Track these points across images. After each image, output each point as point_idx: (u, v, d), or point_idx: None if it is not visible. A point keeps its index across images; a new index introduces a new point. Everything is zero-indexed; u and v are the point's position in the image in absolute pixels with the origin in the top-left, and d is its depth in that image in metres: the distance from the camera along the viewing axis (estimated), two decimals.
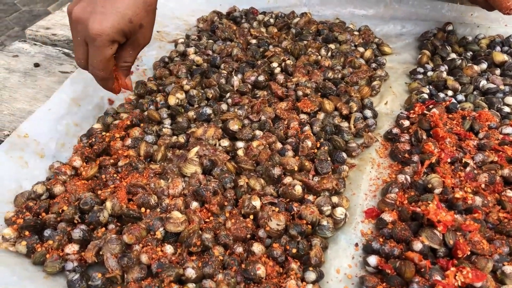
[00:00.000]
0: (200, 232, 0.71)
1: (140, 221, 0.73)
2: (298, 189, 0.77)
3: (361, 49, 1.13)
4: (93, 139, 0.89)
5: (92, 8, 0.76)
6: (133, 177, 0.80)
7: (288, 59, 1.09)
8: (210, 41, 1.17)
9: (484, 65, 1.05)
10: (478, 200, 0.75)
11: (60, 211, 0.76)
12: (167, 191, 0.78)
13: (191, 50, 1.13)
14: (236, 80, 1.02)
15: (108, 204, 0.74)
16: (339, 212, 0.76)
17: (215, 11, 1.27)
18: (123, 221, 0.75)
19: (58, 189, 0.79)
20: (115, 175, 0.82)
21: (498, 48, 1.12)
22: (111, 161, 0.85)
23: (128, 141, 0.88)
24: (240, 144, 0.88)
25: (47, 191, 0.79)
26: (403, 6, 1.31)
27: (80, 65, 0.83)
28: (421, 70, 1.07)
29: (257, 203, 0.74)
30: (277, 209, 0.75)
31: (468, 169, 0.82)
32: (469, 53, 1.11)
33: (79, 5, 0.78)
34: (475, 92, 1.00)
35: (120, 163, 0.84)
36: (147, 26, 0.82)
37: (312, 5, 1.34)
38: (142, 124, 0.93)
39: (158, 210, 0.76)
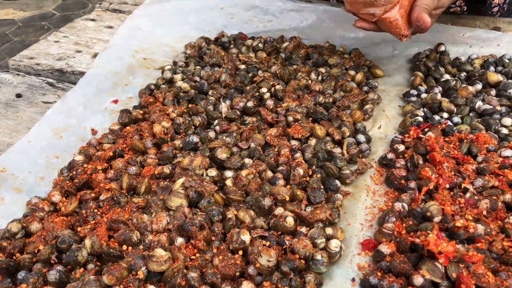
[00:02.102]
0: (185, 271, 0.66)
1: (121, 260, 0.68)
2: (290, 221, 0.73)
3: (352, 72, 1.10)
4: (74, 172, 0.85)
5: None
6: (114, 212, 0.76)
7: (278, 84, 1.06)
8: (198, 67, 1.14)
9: (479, 86, 1.03)
10: (480, 228, 0.71)
11: (36, 251, 0.71)
12: (151, 227, 0.74)
13: (178, 76, 1.09)
14: (224, 106, 0.99)
15: (87, 242, 0.70)
16: (334, 244, 0.71)
17: (203, 37, 1.25)
18: (103, 260, 0.70)
19: (34, 226, 0.74)
20: (95, 210, 0.77)
21: (492, 68, 1.09)
22: (92, 195, 0.81)
23: (111, 173, 0.84)
24: (228, 173, 0.84)
25: (23, 229, 0.74)
26: None
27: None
28: (414, 92, 1.04)
29: (246, 237, 0.70)
30: (267, 243, 0.71)
31: (468, 195, 0.78)
32: (463, 74, 1.08)
33: None
34: (471, 114, 0.97)
35: (101, 197, 0.80)
36: None
37: (302, 29, 1.32)
38: (126, 155, 0.89)
39: (141, 247, 0.71)
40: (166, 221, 0.74)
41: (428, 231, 0.71)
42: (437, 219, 0.74)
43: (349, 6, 1.01)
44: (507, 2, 1.35)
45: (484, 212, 0.74)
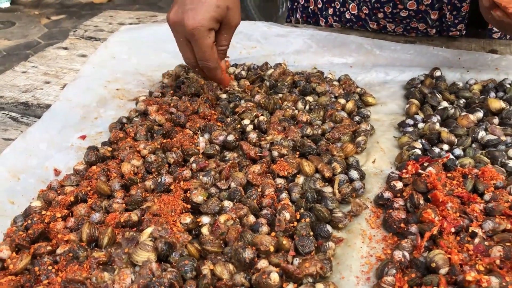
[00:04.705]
0: None
1: None
2: (275, 278, 0.62)
3: (342, 101, 1.02)
4: (29, 221, 0.75)
5: (182, 9, 0.87)
6: (71, 269, 0.65)
7: (262, 114, 0.97)
8: (175, 97, 1.05)
9: (480, 114, 0.94)
10: (494, 281, 0.61)
11: None
12: (112, 287, 0.63)
13: (153, 108, 1.00)
14: (202, 141, 0.90)
15: None
16: None
17: (181, 65, 1.16)
18: None
19: None
20: (50, 267, 0.67)
21: (493, 94, 1.01)
22: (49, 248, 0.70)
23: (71, 222, 0.74)
24: (205, 219, 0.74)
25: None
26: (385, 52, 1.22)
27: (190, 64, 0.94)
28: (410, 121, 0.95)
29: None
30: None
31: (476, 240, 0.68)
32: (462, 101, 1.00)
33: (172, 10, 0.89)
34: (473, 145, 0.88)
35: (58, 251, 0.69)
36: (234, 7, 0.90)
37: (287, 54, 1.24)
38: (90, 199, 0.79)
39: None
40: (131, 279, 0.64)
41: (435, 286, 0.61)
42: (443, 270, 0.64)
43: None
44: None
45: (498, 262, 0.64)
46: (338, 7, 1.33)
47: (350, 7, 1.31)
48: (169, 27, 0.91)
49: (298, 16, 1.49)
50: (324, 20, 1.40)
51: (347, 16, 1.33)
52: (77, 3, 5.43)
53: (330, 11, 1.36)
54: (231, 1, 0.89)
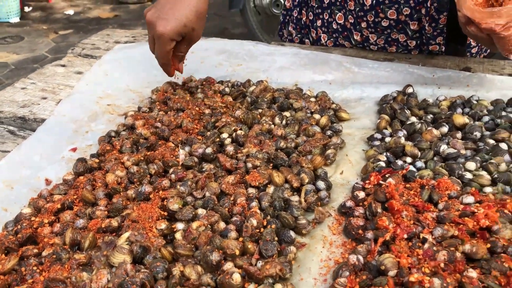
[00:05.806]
0: None
1: None
2: (237, 278, 0.69)
3: (317, 116, 1.08)
4: (19, 226, 0.82)
5: (158, 14, 1.05)
6: (54, 269, 0.72)
7: (240, 129, 1.04)
8: (161, 112, 1.12)
9: (445, 129, 1.00)
10: (436, 283, 0.67)
11: None
12: (90, 285, 0.70)
13: (139, 123, 1.07)
14: (182, 153, 0.97)
15: None
16: None
17: (170, 82, 1.24)
18: None
19: None
20: (35, 268, 0.73)
21: (459, 109, 1.07)
22: (35, 250, 0.77)
23: (57, 227, 0.81)
24: (179, 225, 0.81)
25: None
26: (363, 69, 1.29)
27: (151, 51, 1.12)
28: (378, 136, 1.02)
29: None
30: None
31: (426, 245, 0.74)
32: (430, 116, 1.06)
33: (151, 11, 1.08)
34: (435, 158, 0.94)
35: (43, 253, 0.76)
36: (198, 29, 1.09)
37: (271, 72, 1.31)
38: (76, 207, 0.86)
39: None
40: (107, 279, 0.70)
41: (382, 287, 0.67)
42: (392, 273, 0.70)
43: (470, 13, 0.94)
44: None
45: (442, 265, 0.70)
46: (326, 17, 1.42)
47: (337, 17, 1.39)
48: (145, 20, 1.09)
49: (290, 28, 1.57)
50: (314, 32, 1.48)
51: (334, 26, 1.41)
52: (84, 18, 5.57)
53: (319, 23, 1.45)
54: (197, 24, 1.07)
